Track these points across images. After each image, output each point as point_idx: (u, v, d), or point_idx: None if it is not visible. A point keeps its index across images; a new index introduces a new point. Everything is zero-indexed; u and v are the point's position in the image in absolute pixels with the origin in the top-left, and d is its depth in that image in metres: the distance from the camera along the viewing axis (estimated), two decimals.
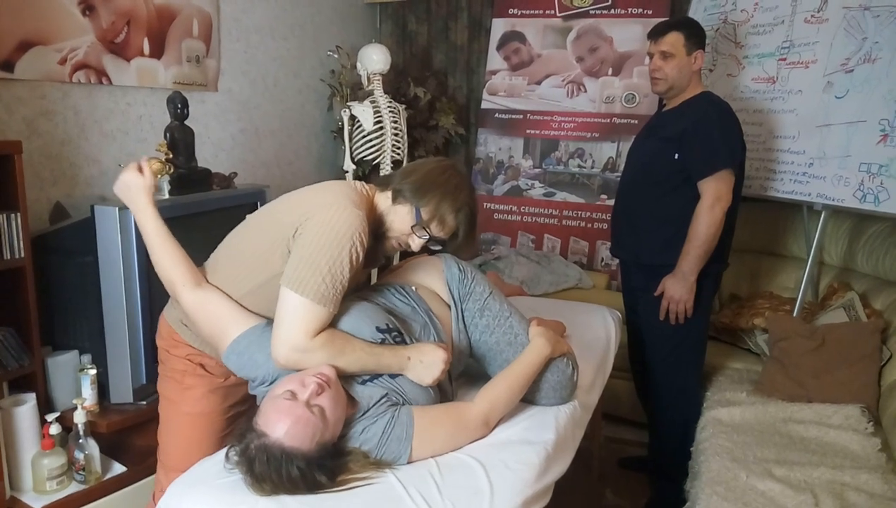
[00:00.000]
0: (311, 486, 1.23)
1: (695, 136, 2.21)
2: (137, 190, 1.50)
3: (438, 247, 1.60)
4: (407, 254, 1.69)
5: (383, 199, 1.55)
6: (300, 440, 1.23)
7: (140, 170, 1.52)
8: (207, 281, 1.52)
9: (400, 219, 1.52)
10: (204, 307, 1.48)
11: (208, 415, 1.60)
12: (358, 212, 1.41)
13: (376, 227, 1.53)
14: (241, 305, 1.50)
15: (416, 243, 1.54)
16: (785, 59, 2.71)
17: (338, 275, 1.37)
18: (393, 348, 1.45)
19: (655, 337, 2.42)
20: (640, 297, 2.45)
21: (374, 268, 1.88)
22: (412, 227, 1.51)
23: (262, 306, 1.47)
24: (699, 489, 1.86)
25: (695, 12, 3.08)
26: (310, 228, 1.38)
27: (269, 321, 1.43)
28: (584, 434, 1.77)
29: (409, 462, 1.36)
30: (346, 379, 1.41)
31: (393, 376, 1.45)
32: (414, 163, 1.62)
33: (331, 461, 1.27)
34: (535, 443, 1.48)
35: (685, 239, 2.23)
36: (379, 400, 1.39)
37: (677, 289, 2.25)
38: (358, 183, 1.57)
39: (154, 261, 1.52)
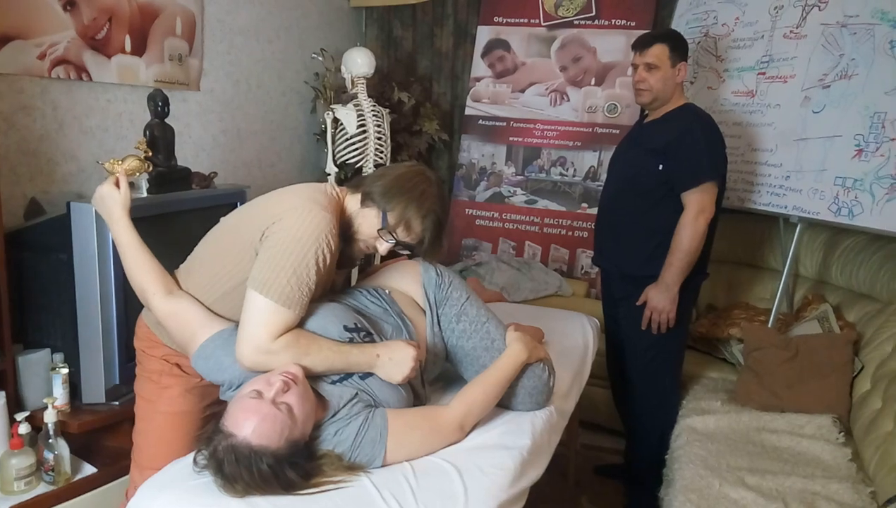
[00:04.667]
0: (283, 485, 1.22)
1: (679, 148, 2.23)
2: (114, 202, 1.55)
3: (407, 252, 1.60)
4: (387, 257, 1.69)
5: (353, 202, 1.55)
6: (268, 437, 1.22)
7: (117, 184, 1.57)
8: (179, 288, 1.53)
9: (367, 222, 1.52)
10: (174, 314, 1.49)
11: (185, 414, 1.59)
12: (325, 215, 1.40)
13: (345, 230, 1.53)
14: (213, 310, 1.51)
15: (382, 247, 1.55)
16: (764, 74, 2.75)
17: (303, 278, 1.37)
18: (361, 346, 1.44)
19: (635, 347, 2.44)
20: (621, 307, 2.46)
21: (351, 270, 1.87)
22: (378, 231, 1.51)
23: (235, 310, 1.46)
24: (673, 496, 1.88)
25: (677, 25, 3.11)
26: (276, 231, 1.39)
27: (237, 325, 1.43)
28: (560, 441, 1.78)
29: (383, 465, 1.36)
30: (315, 378, 1.40)
31: (363, 376, 1.45)
32: (385, 166, 1.63)
33: (303, 460, 1.27)
34: (511, 448, 1.49)
35: (668, 250, 2.25)
36: (350, 400, 1.39)
37: (660, 300, 2.27)
38: (328, 185, 1.57)
39: (127, 270, 1.55)
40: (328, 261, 1.42)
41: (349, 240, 1.55)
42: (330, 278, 1.54)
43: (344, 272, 1.76)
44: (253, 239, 1.42)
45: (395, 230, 1.51)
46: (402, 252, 1.60)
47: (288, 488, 1.23)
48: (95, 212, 1.84)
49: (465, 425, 1.49)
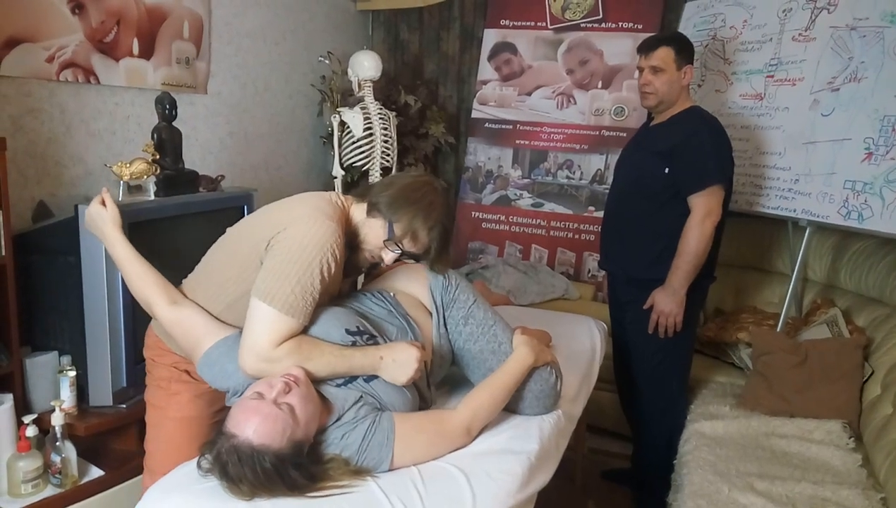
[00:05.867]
0: (288, 486, 1.22)
1: (685, 151, 2.22)
2: (103, 222, 1.56)
3: (412, 261, 1.60)
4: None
5: (359, 211, 1.55)
6: (269, 437, 1.22)
7: (103, 203, 1.57)
8: (184, 297, 1.53)
9: (374, 232, 1.52)
10: (179, 322, 1.50)
11: (194, 420, 1.59)
12: (331, 225, 1.41)
13: (351, 239, 1.53)
14: (221, 319, 1.51)
15: (388, 257, 1.55)
16: (772, 77, 2.74)
17: (308, 287, 1.37)
18: (364, 349, 1.44)
19: (642, 351, 2.42)
20: (627, 310, 2.45)
21: (357, 278, 1.87)
22: (385, 242, 1.52)
23: (242, 319, 1.46)
24: (681, 502, 1.87)
25: (684, 28, 3.11)
26: (282, 240, 1.39)
27: (241, 331, 1.43)
28: (567, 445, 1.77)
29: (389, 469, 1.35)
30: (319, 382, 1.40)
31: (368, 379, 1.44)
32: (392, 176, 1.62)
33: (307, 462, 1.26)
34: (519, 453, 1.48)
35: (675, 253, 2.24)
36: (354, 403, 1.38)
37: (667, 303, 2.25)
38: (334, 194, 1.57)
39: (129, 284, 1.55)
40: (333, 271, 1.42)
41: (355, 248, 1.55)
42: (336, 286, 1.54)
43: (350, 280, 1.76)
44: (258, 248, 1.43)
45: (401, 241, 1.51)
46: (407, 261, 1.60)
47: (293, 489, 1.23)
48: None
49: (471, 429, 1.49)
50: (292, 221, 1.41)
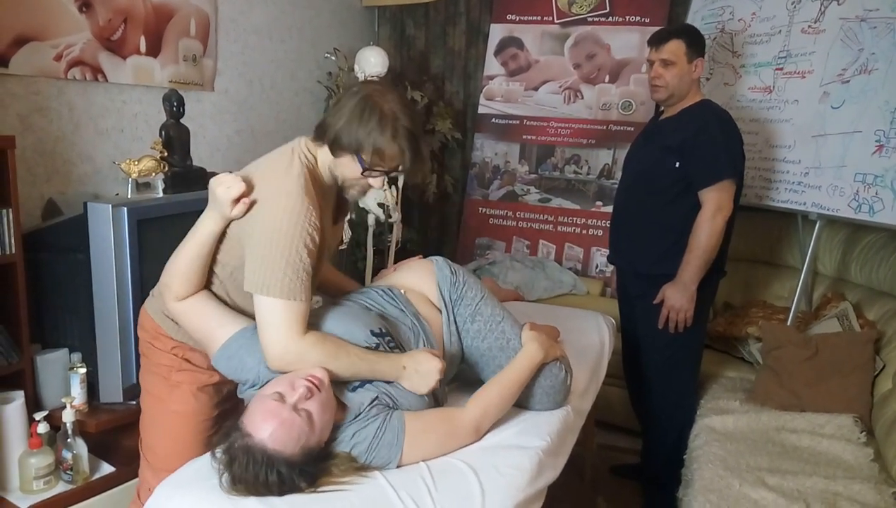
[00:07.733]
0: (285, 492, 1.22)
1: (696, 146, 2.20)
2: (217, 205, 1.43)
3: (397, 174, 1.55)
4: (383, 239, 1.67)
5: (325, 154, 1.49)
6: (284, 443, 1.22)
7: (239, 199, 1.41)
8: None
9: (348, 168, 1.47)
10: (189, 315, 1.49)
11: (197, 414, 1.58)
12: (298, 197, 1.37)
13: (333, 182, 1.51)
14: (217, 294, 1.51)
15: (376, 182, 1.50)
16: (781, 69, 2.71)
17: (297, 264, 1.36)
18: (388, 356, 1.44)
19: (652, 346, 2.41)
20: (637, 305, 2.44)
21: (346, 219, 1.84)
22: (363, 172, 1.46)
23: (239, 295, 1.47)
24: (692, 497, 1.86)
25: (692, 21, 3.08)
26: (256, 227, 1.38)
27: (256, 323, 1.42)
28: (576, 441, 1.76)
29: (398, 467, 1.35)
30: (336, 385, 1.39)
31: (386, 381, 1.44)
32: (335, 106, 1.52)
33: (314, 466, 1.26)
34: (528, 448, 1.48)
35: (685, 248, 2.22)
36: (370, 404, 1.38)
37: (678, 298, 2.24)
38: (297, 149, 1.48)
39: (175, 259, 1.50)
40: (317, 240, 1.40)
41: (343, 189, 1.53)
42: (325, 245, 1.51)
43: (341, 226, 1.73)
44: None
45: (376, 166, 1.44)
46: (393, 175, 1.55)
47: (287, 492, 1.23)
48: (112, 212, 1.85)
49: (480, 427, 1.49)
50: (261, 203, 1.39)
